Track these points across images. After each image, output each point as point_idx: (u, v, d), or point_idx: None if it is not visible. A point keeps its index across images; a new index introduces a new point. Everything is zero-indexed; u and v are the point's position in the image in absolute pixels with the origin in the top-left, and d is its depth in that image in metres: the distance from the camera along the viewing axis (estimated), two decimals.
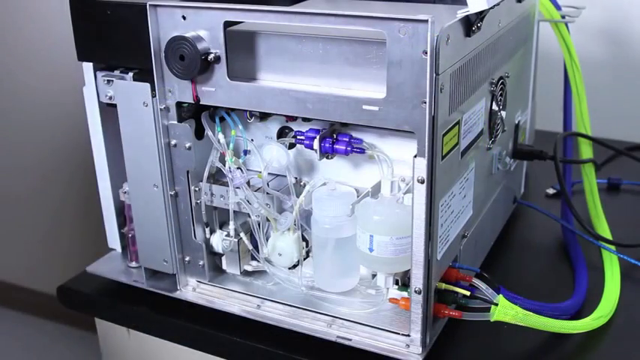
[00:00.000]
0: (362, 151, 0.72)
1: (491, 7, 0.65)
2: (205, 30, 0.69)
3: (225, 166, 0.76)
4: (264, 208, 0.76)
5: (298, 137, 0.74)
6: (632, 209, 1.05)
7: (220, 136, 0.76)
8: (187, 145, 0.76)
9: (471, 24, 0.66)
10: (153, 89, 0.74)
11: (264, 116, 0.76)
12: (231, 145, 0.76)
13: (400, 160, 0.72)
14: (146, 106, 0.74)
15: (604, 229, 0.94)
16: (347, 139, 0.71)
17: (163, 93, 0.74)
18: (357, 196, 0.73)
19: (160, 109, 0.74)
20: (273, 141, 0.77)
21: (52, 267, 2.05)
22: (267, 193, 0.76)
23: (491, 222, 0.90)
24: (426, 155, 0.63)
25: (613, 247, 0.89)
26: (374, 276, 0.74)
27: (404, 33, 0.60)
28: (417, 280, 0.67)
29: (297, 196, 0.75)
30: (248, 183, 0.76)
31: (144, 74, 0.75)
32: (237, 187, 0.76)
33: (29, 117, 1.95)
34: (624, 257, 0.87)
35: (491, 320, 0.69)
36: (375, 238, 0.69)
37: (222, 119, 0.77)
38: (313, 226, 0.75)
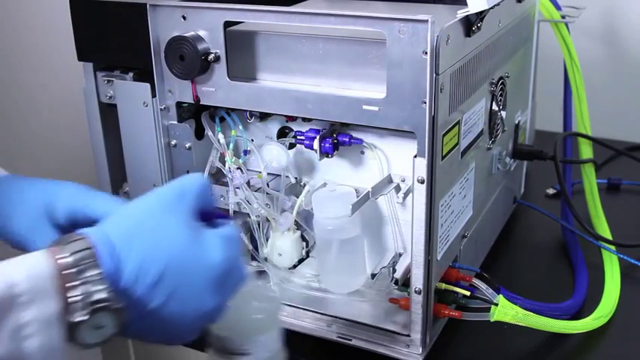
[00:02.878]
0: (360, 141, 0.72)
1: (492, 7, 0.65)
2: (205, 30, 0.69)
3: (225, 166, 0.76)
4: (263, 209, 0.76)
5: (298, 137, 0.74)
6: (632, 209, 1.05)
7: (220, 136, 0.76)
8: (187, 145, 0.76)
9: (471, 24, 0.66)
10: (153, 89, 0.74)
11: (264, 116, 0.76)
12: (231, 145, 0.76)
13: (400, 160, 0.72)
14: (146, 106, 0.74)
15: (604, 229, 0.94)
16: (347, 139, 0.71)
17: (163, 93, 0.74)
18: (357, 196, 0.73)
19: (160, 109, 0.74)
20: (273, 141, 0.77)
21: None
22: (267, 193, 0.76)
23: (491, 222, 0.90)
24: (426, 155, 0.63)
25: (613, 247, 0.89)
26: (374, 276, 0.74)
27: (404, 33, 0.60)
28: (417, 280, 0.67)
29: (297, 196, 0.75)
30: (248, 183, 0.76)
31: (144, 74, 0.75)
32: (237, 188, 0.76)
33: (29, 117, 1.94)
34: (624, 257, 0.87)
35: (491, 320, 0.69)
36: None
37: (222, 119, 0.77)
38: (316, 229, 0.75)
